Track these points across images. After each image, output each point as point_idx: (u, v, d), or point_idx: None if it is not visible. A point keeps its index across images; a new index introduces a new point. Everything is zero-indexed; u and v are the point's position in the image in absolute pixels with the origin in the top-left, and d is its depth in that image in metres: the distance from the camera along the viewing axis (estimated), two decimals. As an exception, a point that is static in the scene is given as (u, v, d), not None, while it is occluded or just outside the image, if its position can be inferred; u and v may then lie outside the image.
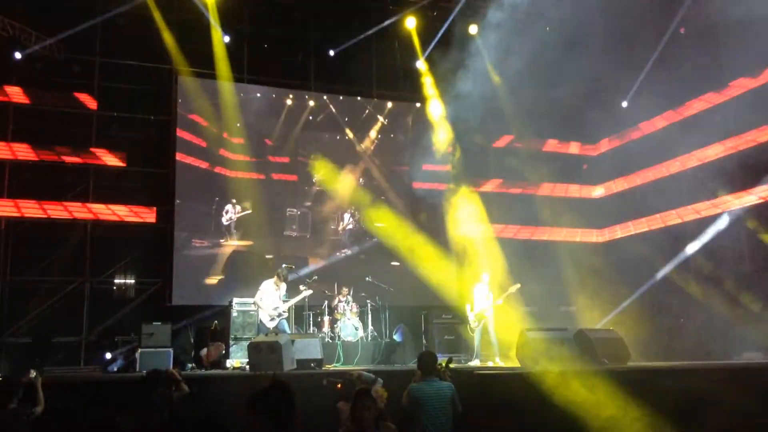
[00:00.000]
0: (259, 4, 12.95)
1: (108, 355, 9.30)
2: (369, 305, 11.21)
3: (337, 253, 13.19)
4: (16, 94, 11.66)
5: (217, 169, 12.47)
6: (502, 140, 14.38)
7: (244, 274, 11.48)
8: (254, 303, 9.47)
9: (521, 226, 14.03)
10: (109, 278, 12.09)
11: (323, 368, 8.44)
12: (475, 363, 9.98)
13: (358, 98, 13.86)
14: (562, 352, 8.71)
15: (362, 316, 10.98)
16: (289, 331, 9.33)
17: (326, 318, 10.77)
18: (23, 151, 11.57)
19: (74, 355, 11.04)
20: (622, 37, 11.41)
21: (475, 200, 13.28)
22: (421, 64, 13.67)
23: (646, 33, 11.63)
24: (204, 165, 12.38)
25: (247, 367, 8.50)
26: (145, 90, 12.40)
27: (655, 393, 6.79)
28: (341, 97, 13.70)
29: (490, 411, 6.32)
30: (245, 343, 9.06)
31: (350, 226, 13.48)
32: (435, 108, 13.74)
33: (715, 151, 11.80)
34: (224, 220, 12.44)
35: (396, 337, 11.30)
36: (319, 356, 8.58)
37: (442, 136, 13.74)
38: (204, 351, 9.73)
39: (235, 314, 9.94)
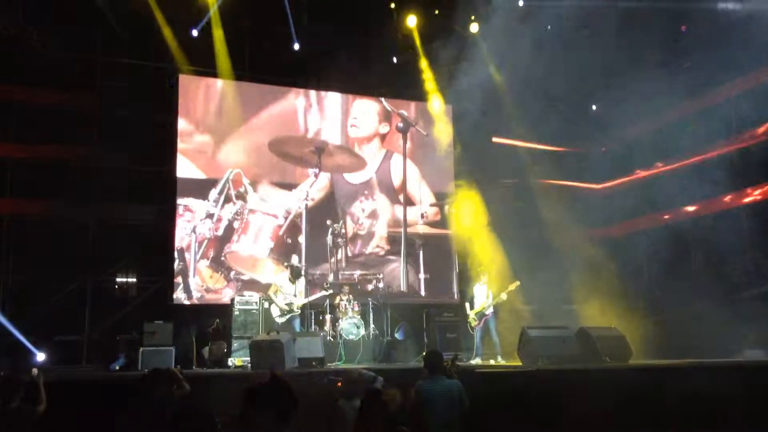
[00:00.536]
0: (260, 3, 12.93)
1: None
2: (371, 303, 11.22)
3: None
4: (16, 92, 11.65)
5: (217, 169, 12.43)
6: (504, 138, 14.34)
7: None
8: (266, 296, 9.48)
9: (522, 224, 13.97)
10: (111, 277, 12.11)
11: (325, 366, 8.46)
12: (475, 361, 10.02)
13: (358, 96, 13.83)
14: (564, 350, 8.72)
15: (364, 315, 10.99)
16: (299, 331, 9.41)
17: (328, 316, 10.79)
18: (24, 150, 11.57)
19: (76, 354, 11.04)
20: (625, 34, 11.40)
21: (476, 198, 13.25)
22: (423, 63, 13.64)
23: (648, 30, 11.63)
24: (204, 165, 12.35)
25: (249, 365, 8.53)
26: (146, 88, 12.37)
27: (658, 391, 6.80)
28: (341, 96, 13.65)
29: (491, 408, 6.31)
30: (247, 342, 9.09)
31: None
32: (436, 105, 13.72)
33: (716, 148, 11.77)
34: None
35: (398, 336, 11.31)
36: (320, 355, 8.59)
37: (443, 133, 13.73)
38: (206, 349, 9.75)
39: (236, 312, 9.96)
